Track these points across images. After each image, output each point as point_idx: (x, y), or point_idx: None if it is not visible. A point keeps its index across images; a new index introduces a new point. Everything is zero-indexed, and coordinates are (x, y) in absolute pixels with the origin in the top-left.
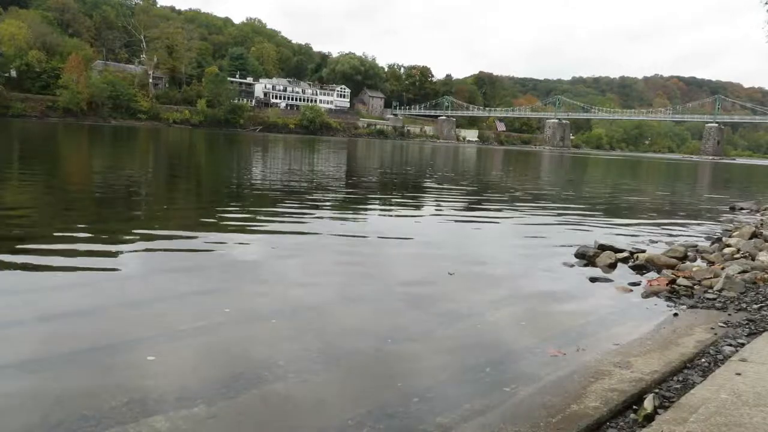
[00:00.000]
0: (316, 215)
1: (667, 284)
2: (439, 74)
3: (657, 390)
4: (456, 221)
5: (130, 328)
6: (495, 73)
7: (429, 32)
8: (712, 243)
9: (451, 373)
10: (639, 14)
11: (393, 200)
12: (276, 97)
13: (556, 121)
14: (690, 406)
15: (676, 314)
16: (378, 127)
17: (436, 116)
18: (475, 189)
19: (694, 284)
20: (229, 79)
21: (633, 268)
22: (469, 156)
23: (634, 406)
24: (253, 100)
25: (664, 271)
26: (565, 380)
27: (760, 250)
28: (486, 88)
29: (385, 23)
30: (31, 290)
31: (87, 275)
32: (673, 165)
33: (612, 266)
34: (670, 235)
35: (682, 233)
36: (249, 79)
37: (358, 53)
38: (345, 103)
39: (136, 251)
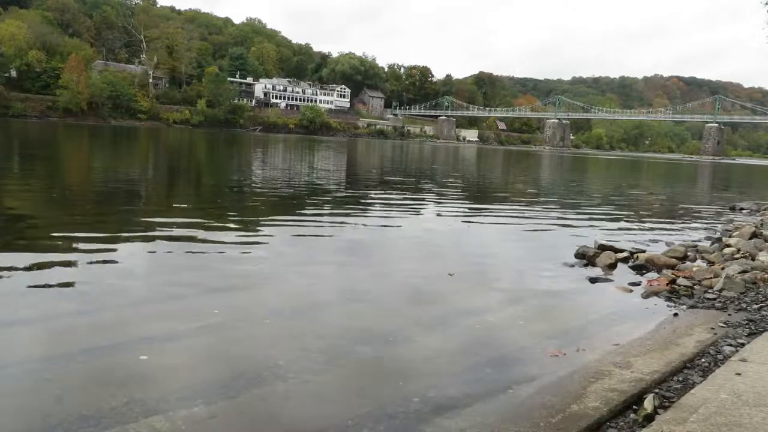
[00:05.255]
0: (315, 215)
1: (667, 284)
2: (439, 74)
3: (657, 390)
4: (456, 222)
5: (130, 327)
6: (495, 73)
7: (429, 32)
8: (712, 243)
9: (451, 373)
10: (639, 14)
11: (393, 200)
12: (276, 97)
13: (556, 121)
14: (690, 406)
15: (676, 314)
16: (378, 127)
17: (436, 116)
18: (475, 189)
19: (694, 284)
20: (229, 79)
21: (633, 268)
22: (469, 156)
23: (634, 406)
24: (253, 100)
25: (664, 271)
26: (565, 380)
27: (760, 250)
28: (486, 88)
29: (386, 23)
30: (31, 290)
31: (87, 275)
32: (673, 165)
33: (612, 266)
34: (670, 235)
35: (682, 233)
36: (249, 79)
37: (358, 53)
38: (345, 103)
39: (136, 251)
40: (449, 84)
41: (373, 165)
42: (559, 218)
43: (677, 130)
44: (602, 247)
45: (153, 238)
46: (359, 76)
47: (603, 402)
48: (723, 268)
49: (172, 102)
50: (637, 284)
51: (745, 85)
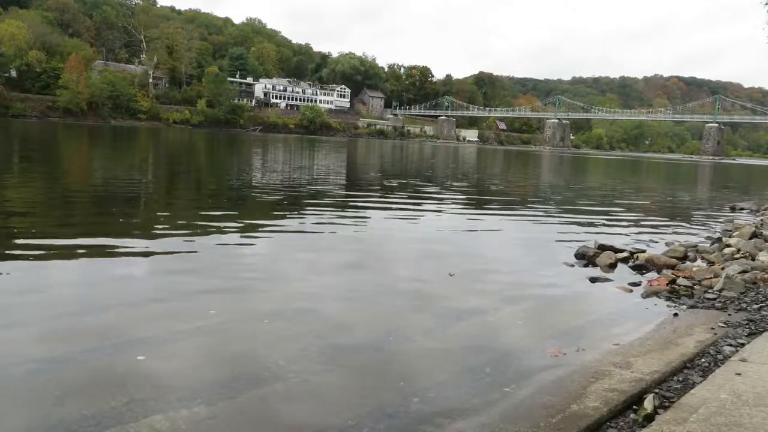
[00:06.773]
0: (315, 215)
1: (667, 284)
2: (439, 74)
3: (657, 390)
4: (456, 222)
5: (130, 327)
6: (495, 73)
7: (429, 32)
8: (712, 243)
9: (451, 373)
10: (639, 14)
11: (393, 201)
12: (276, 97)
13: (556, 121)
14: (690, 406)
15: (676, 314)
16: (378, 127)
17: (436, 116)
18: (475, 190)
19: (694, 284)
20: (229, 79)
21: (633, 268)
22: (469, 156)
23: (634, 406)
24: (253, 100)
25: (664, 271)
26: (565, 380)
27: (760, 250)
28: (486, 88)
29: (386, 23)
30: (31, 291)
31: (86, 275)
32: (673, 165)
33: (612, 266)
34: (670, 235)
35: (682, 233)
36: (249, 79)
37: (358, 53)
38: (345, 103)
39: (135, 251)
40: (449, 84)
41: (373, 165)
42: (559, 218)
43: (677, 130)
44: (602, 247)
45: (152, 238)
46: (359, 76)
47: (603, 402)
48: (723, 268)
49: (172, 102)
50: (637, 284)
51: (745, 85)
